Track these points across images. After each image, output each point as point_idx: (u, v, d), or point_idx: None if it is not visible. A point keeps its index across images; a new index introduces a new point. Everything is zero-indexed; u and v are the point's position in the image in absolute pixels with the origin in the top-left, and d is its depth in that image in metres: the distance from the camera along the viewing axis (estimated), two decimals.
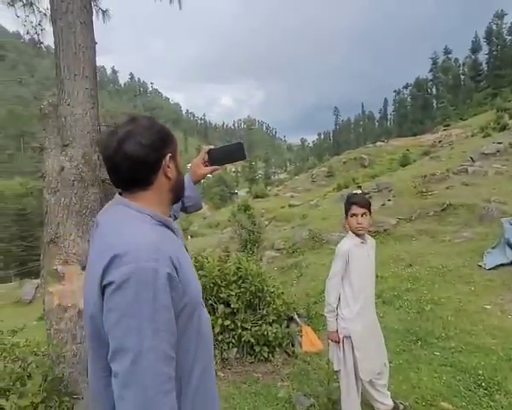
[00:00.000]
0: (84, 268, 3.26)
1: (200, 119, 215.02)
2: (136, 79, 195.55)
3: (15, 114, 61.49)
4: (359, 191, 15.74)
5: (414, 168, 24.37)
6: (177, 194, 1.16)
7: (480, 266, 6.65)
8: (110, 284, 0.87)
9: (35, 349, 2.73)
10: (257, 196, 48.07)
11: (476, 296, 5.46)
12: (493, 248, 6.94)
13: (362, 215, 2.63)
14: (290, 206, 33.06)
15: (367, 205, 2.67)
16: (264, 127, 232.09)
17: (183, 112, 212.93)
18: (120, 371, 0.85)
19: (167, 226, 1.06)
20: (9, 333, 2.80)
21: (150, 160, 1.03)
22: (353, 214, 2.66)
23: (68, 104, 3.40)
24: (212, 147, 1.52)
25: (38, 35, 4.93)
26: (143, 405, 0.84)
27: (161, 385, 0.87)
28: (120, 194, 1.09)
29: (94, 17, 4.09)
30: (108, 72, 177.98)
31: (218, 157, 1.48)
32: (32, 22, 4.87)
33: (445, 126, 62.33)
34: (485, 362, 3.64)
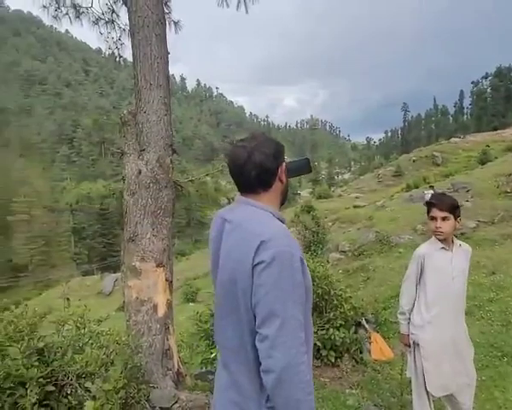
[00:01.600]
0: (158, 265, 3.48)
1: (263, 120, 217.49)
2: (203, 84, 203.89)
3: (99, 123, 67.77)
4: (431, 191, 14.61)
5: (495, 166, 22.08)
6: (285, 197, 1.37)
7: None
8: (260, 263, 1.08)
9: (117, 338, 2.96)
10: (320, 197, 47.22)
11: None
12: None
13: (442, 219, 2.39)
14: (355, 207, 31.97)
15: (449, 208, 2.39)
16: (328, 127, 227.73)
17: (247, 114, 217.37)
18: (270, 334, 1.04)
19: (282, 222, 1.27)
20: (95, 322, 3.07)
21: (273, 167, 1.26)
22: (432, 217, 2.45)
23: (145, 112, 3.66)
24: (287, 160, 1.64)
25: (118, 49, 5.37)
26: (288, 362, 1.02)
27: (300, 347, 1.06)
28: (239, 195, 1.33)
29: (167, 29, 4.36)
30: (177, 79, 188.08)
31: (292, 170, 1.54)
32: (112, 38, 5.33)
33: None
34: None
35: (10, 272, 48.97)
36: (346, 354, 4.17)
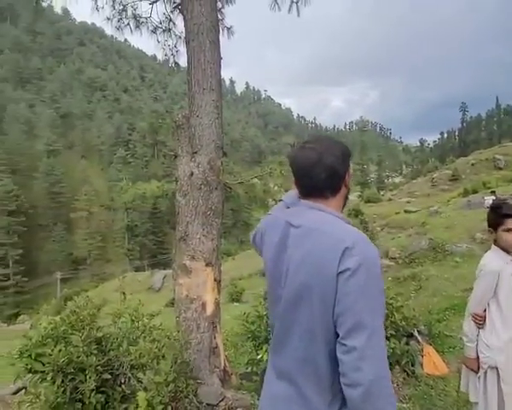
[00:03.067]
0: (207, 264, 3.57)
1: (311, 122, 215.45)
2: (251, 87, 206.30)
3: (153, 126, 71.16)
4: (493, 197, 13.60)
5: None
6: (346, 202, 1.34)
7: None
8: (346, 270, 1.04)
9: (168, 333, 3.09)
10: (368, 201, 45.75)
11: None
12: None
13: None
14: (406, 212, 30.54)
15: None
16: (378, 128, 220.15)
17: (294, 116, 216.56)
18: (358, 345, 1.00)
19: None
20: (148, 317, 3.22)
21: (342, 170, 1.22)
22: (509, 229, 2.23)
23: (197, 115, 3.78)
24: None
25: (174, 56, 5.61)
26: (377, 375, 0.99)
27: (386, 359, 1.04)
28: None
29: (220, 35, 4.46)
30: (227, 83, 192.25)
31: None
32: (169, 45, 5.57)
33: None
34: None
35: (71, 265, 52.90)
36: (396, 366, 3.99)
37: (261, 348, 3.12)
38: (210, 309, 3.54)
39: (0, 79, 74.74)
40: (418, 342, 4.35)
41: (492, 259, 2.33)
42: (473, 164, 46.58)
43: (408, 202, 38.90)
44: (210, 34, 3.94)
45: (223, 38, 5.33)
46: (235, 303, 14.99)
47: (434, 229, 13.86)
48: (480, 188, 28.14)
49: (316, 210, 1.22)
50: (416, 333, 4.44)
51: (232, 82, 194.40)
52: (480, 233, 11.62)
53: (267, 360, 1.43)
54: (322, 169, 1.18)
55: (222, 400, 3.07)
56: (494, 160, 44.19)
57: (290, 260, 1.18)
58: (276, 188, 4.74)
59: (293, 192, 1.69)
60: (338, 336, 1.06)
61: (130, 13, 5.35)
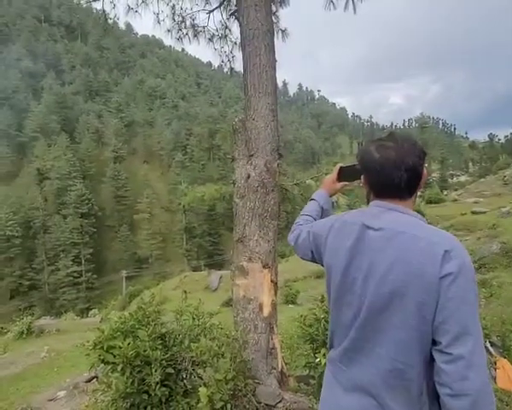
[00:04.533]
0: (264, 266, 3.61)
1: (367, 121, 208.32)
2: (304, 88, 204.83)
3: (209, 131, 73.63)
4: None
5: None
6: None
7: None
8: (448, 275, 1.00)
9: (227, 333, 3.17)
10: (430, 202, 43.11)
11: None
12: None
13: None
14: (473, 213, 28.31)
15: None
16: (441, 124, 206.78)
17: (349, 115, 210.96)
18: (465, 353, 0.96)
19: None
20: (208, 315, 3.34)
21: (421, 171, 1.18)
22: None
23: (253, 119, 3.83)
24: (342, 165, 1.61)
25: (230, 62, 5.76)
26: (484, 383, 0.96)
27: (485, 364, 1.00)
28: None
29: (274, 38, 4.49)
30: (280, 85, 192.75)
31: (347, 174, 1.57)
32: (225, 51, 5.74)
33: None
34: None
35: (135, 264, 56.40)
36: None
37: (319, 352, 3.07)
38: (267, 310, 3.57)
39: (73, 93, 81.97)
40: (491, 354, 4.01)
41: None
42: None
43: (475, 203, 36.06)
44: (265, 38, 3.98)
45: (277, 41, 5.39)
46: (290, 305, 14.93)
47: (507, 232, 12.73)
48: None
49: (396, 212, 1.16)
50: (488, 345, 4.10)
51: (285, 84, 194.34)
52: None
53: (325, 364, 1.38)
54: (404, 170, 1.13)
55: (280, 401, 3.08)
56: None
57: (372, 265, 1.11)
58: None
59: (323, 192, 1.65)
60: (435, 344, 1.02)
61: (188, 23, 5.60)
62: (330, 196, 1.67)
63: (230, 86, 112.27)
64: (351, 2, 4.56)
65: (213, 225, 62.69)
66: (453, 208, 35.54)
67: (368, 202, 1.30)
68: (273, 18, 4.58)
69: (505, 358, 4.11)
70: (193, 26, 5.58)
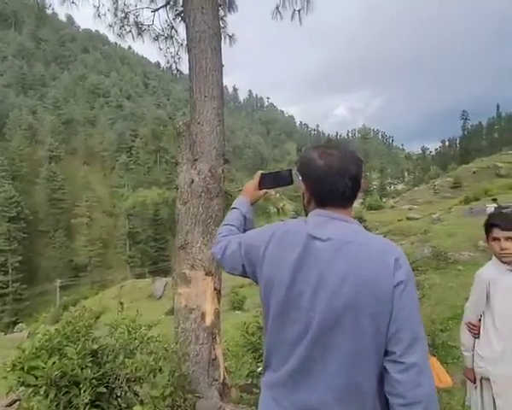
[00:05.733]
0: (207, 274, 3.50)
1: (314, 130, 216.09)
2: (254, 95, 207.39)
3: (156, 133, 71.57)
4: (494, 205, 13.59)
5: None
6: None
7: None
8: (400, 283, 0.99)
9: (165, 345, 3.01)
10: (371, 208, 45.81)
11: None
12: None
13: (506, 239, 2.16)
14: (408, 219, 30.57)
15: None
16: (380, 136, 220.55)
17: (297, 124, 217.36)
18: (418, 360, 0.96)
19: None
20: (146, 327, 3.15)
21: (360, 179, 1.16)
22: (495, 238, 2.22)
23: (198, 123, 3.74)
24: (263, 171, 1.56)
25: (176, 63, 5.60)
26: (433, 388, 0.97)
27: (430, 367, 1.01)
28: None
29: (222, 42, 4.45)
30: (230, 90, 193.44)
31: (268, 181, 1.54)
32: (171, 52, 5.57)
33: None
34: None
35: (72, 272, 52.82)
36: None
37: (261, 361, 3.03)
38: (209, 319, 3.47)
39: (3, 85, 75.36)
40: None
41: (485, 269, 2.32)
42: (474, 172, 46.70)
43: (410, 210, 38.92)
44: (212, 42, 3.92)
45: (225, 46, 5.35)
46: (236, 311, 14.89)
47: (437, 237, 13.82)
48: (482, 195, 28.15)
49: (340, 221, 1.12)
50: None
51: (235, 89, 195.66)
52: (483, 241, 11.54)
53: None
54: (348, 178, 1.10)
55: None
56: (495, 168, 44.26)
57: (321, 278, 1.04)
58: (277, 195, 4.69)
59: (245, 200, 1.54)
60: (387, 354, 0.99)
61: (131, 20, 5.36)
62: (252, 204, 1.57)
63: (179, 88, 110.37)
64: (297, 13, 4.65)
65: (159, 231, 60.83)
66: (391, 215, 38.06)
67: (306, 211, 1.24)
68: (221, 22, 4.53)
69: (434, 356, 4.37)
70: (136, 23, 5.34)
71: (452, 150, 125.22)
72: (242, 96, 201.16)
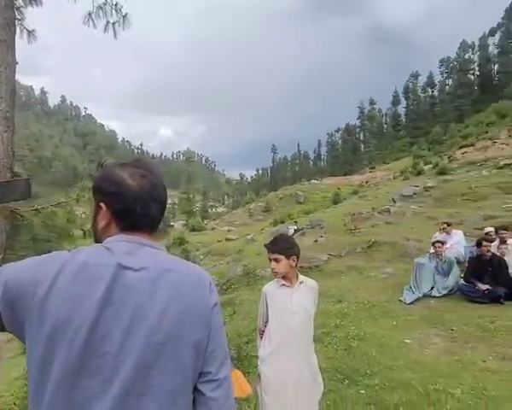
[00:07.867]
0: None
1: (137, 148, 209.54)
2: (68, 102, 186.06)
3: None
4: (295, 227, 16.14)
5: (344, 206, 25.89)
6: None
7: (401, 300, 7.10)
8: (214, 305, 1.04)
9: None
10: (193, 230, 47.27)
11: (398, 331, 5.75)
12: (409, 284, 7.49)
13: (275, 260, 2.57)
14: (227, 240, 32.87)
15: (280, 250, 2.56)
16: (204, 160, 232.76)
17: (119, 140, 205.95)
18: (228, 373, 1.04)
19: None
20: None
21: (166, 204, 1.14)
22: (269, 258, 2.63)
23: None
24: None
25: None
26: (233, 399, 1.05)
27: None
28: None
29: (18, 36, 3.86)
30: (37, 92, 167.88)
31: (4, 192, 1.31)
32: None
33: (370, 169, 68.31)
34: (406, 398, 3.76)
35: None
36: None
37: None
38: None
39: None
40: None
41: (267, 284, 2.74)
42: (280, 198, 54.67)
43: (229, 231, 41.97)
44: (2, 32, 3.34)
45: (23, 42, 4.64)
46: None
47: (248, 256, 15.29)
48: (286, 218, 33.06)
49: (149, 247, 1.04)
50: None
51: (43, 92, 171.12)
52: None
53: None
54: (159, 201, 1.07)
55: None
56: (296, 195, 53.12)
57: (138, 312, 0.92)
58: (83, 216, 4.25)
59: None
60: (202, 376, 1.00)
61: None
62: None
63: None
64: (111, 25, 4.46)
65: None
66: (212, 236, 40.12)
67: (97, 235, 1.09)
68: (16, 13, 3.90)
69: (239, 368, 4.73)
70: None
71: (264, 178, 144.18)
72: (53, 101, 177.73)
